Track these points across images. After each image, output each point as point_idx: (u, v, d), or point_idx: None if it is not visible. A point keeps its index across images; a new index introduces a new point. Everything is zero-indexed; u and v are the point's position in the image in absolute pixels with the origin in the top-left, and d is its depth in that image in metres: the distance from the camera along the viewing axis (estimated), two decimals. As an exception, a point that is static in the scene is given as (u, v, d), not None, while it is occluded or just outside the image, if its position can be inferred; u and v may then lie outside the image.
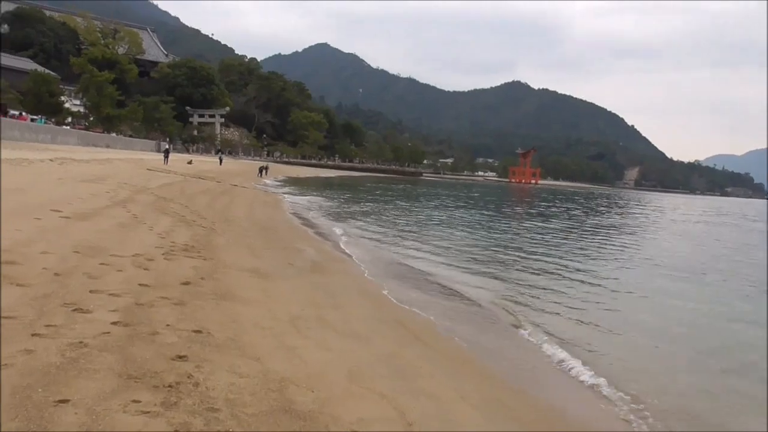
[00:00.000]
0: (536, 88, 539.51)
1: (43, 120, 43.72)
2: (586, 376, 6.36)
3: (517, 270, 13.21)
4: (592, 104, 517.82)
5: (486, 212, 35.76)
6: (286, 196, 32.55)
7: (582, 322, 8.84)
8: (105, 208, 12.17)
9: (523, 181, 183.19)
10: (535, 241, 19.87)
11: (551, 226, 27.55)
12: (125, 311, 5.30)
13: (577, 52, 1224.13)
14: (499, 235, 21.11)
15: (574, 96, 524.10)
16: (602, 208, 55.02)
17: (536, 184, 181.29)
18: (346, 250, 13.83)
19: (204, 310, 5.97)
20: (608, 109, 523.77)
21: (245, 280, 8.02)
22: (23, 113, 44.10)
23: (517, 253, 16.07)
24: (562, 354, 7.02)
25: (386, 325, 7.30)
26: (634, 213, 51.79)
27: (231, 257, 9.52)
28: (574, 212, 43.81)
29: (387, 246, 15.78)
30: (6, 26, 74.93)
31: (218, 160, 60.77)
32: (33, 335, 4.33)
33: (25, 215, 9.38)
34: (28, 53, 71.21)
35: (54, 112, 48.73)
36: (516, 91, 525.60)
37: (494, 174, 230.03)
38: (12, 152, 21.11)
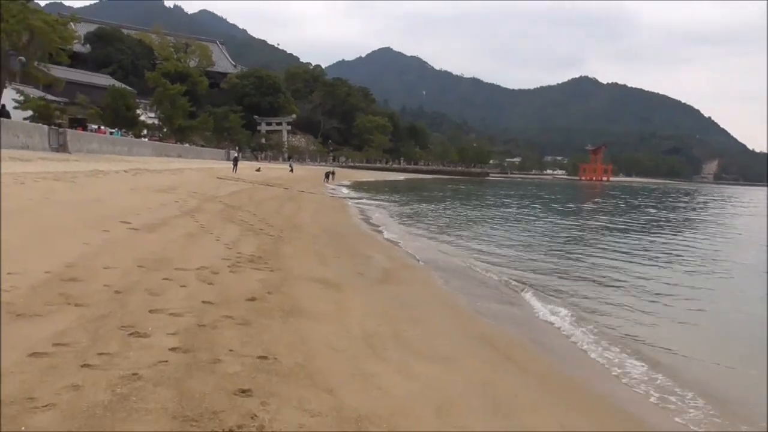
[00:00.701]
0: (605, 82, 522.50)
1: (119, 132, 45.55)
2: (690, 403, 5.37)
3: (613, 283, 12.10)
4: (665, 96, 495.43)
5: (562, 214, 34.21)
6: (352, 200, 32.25)
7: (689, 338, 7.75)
8: (173, 217, 12.01)
9: (594, 178, 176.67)
10: (620, 249, 18.52)
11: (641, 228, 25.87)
12: (185, 334, 4.80)
13: (646, 43, 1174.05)
14: (579, 241, 19.85)
15: (646, 89, 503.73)
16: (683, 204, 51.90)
17: (608, 181, 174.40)
18: (417, 257, 13.12)
19: (271, 330, 5.40)
20: (683, 101, 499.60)
21: (314, 291, 7.45)
22: (101, 127, 46.03)
23: (602, 261, 14.88)
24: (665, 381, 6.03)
25: (471, 342, 6.54)
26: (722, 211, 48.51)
27: (299, 267, 9.01)
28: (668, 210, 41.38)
29: (459, 251, 14.96)
30: (88, 46, 79.03)
31: (288, 167, 61.54)
32: (83, 366, 3.86)
33: (95, 227, 9.24)
34: (108, 70, 74.82)
35: (130, 125, 50.71)
36: (584, 86, 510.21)
37: (563, 172, 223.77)
38: (89, 164, 21.74)
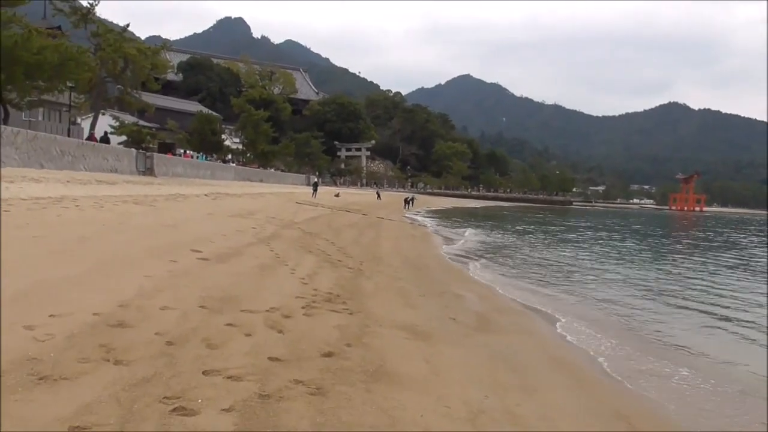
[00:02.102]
0: (696, 108, 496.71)
1: (204, 156, 46.76)
2: None
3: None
4: (763, 123, 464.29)
5: (668, 247, 31.48)
6: (433, 228, 31.02)
7: None
8: (247, 246, 11.23)
9: (686, 208, 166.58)
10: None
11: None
12: (243, 410, 3.71)
13: (742, 66, 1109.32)
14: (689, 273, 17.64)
15: (742, 115, 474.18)
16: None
17: (701, 211, 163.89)
18: (511, 297, 11.66)
19: (351, 402, 4.22)
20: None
21: (401, 344, 6.23)
22: (187, 151, 47.45)
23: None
24: None
25: (607, 423, 5.08)
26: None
27: (381, 308, 7.86)
28: None
29: (561, 289, 13.33)
30: (180, 74, 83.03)
31: (376, 195, 61.49)
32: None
33: (162, 256, 8.53)
34: (197, 97, 78.16)
35: (216, 150, 52.11)
36: (673, 112, 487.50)
37: (651, 201, 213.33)
38: (171, 188, 21.78)
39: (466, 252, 20.30)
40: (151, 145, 37.46)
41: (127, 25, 32.45)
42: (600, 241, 31.87)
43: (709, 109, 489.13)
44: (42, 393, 3.52)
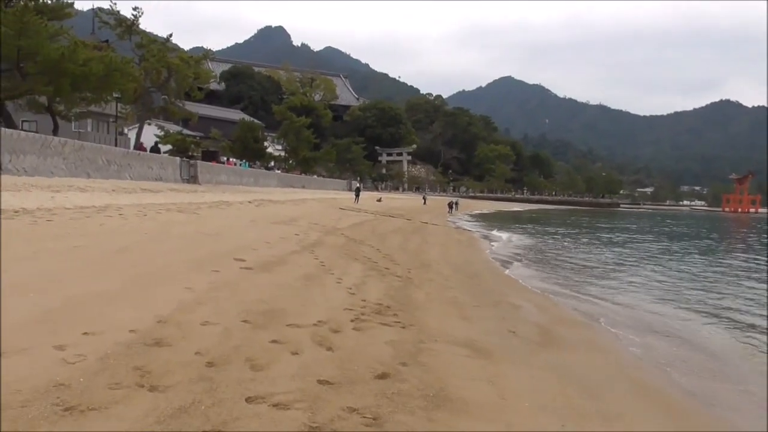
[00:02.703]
0: (749, 105, 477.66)
1: (247, 164, 47.14)
2: None
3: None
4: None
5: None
6: (479, 233, 30.25)
7: None
8: (292, 254, 10.84)
9: (740, 210, 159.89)
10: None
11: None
12: (292, 448, 3.23)
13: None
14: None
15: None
16: None
17: (756, 212, 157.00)
18: (573, 307, 10.92)
19: (412, 435, 3.70)
20: None
21: (460, 362, 5.66)
22: (231, 159, 47.91)
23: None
24: None
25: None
26: None
27: (435, 320, 7.30)
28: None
29: (626, 298, 12.49)
30: (223, 84, 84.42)
31: (422, 199, 61.13)
32: None
33: (205, 267, 8.18)
34: (240, 106, 79.27)
35: (258, 157, 52.52)
36: (724, 110, 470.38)
37: (702, 203, 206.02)
38: (215, 195, 21.73)
39: (514, 258, 19.53)
40: (195, 154, 37.90)
41: (170, 36, 33.05)
42: (654, 247, 30.46)
43: (763, 106, 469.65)
44: (66, 426, 3.11)
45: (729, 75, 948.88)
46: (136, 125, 37.74)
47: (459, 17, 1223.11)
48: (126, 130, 40.97)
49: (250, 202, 22.76)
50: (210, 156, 39.75)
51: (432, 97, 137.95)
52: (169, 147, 38.23)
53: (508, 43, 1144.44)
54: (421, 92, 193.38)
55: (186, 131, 46.01)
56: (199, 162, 30.79)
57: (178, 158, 29.31)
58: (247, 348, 4.87)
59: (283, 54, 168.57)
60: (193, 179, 28.22)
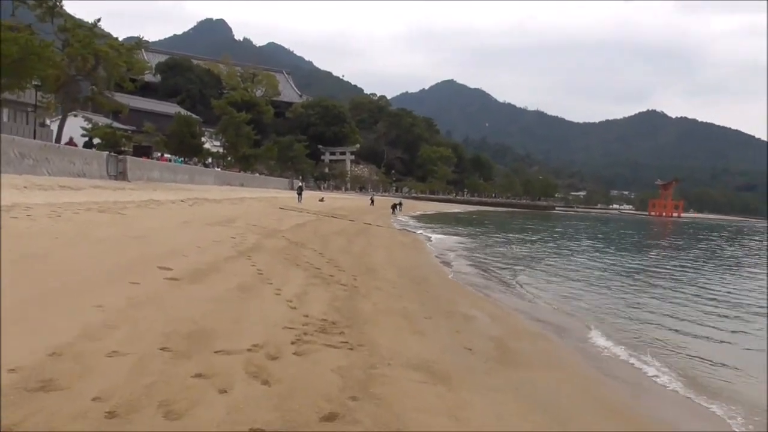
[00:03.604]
0: (674, 116, 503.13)
1: (180, 160, 44.96)
2: None
3: None
4: (738, 131, 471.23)
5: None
6: (423, 234, 29.79)
7: None
8: (226, 260, 9.86)
9: (665, 214, 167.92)
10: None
11: None
12: None
13: (719, 76, 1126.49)
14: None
15: (717, 123, 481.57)
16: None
17: (679, 217, 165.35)
18: (525, 313, 10.44)
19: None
20: (756, 137, 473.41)
21: (418, 392, 4.93)
22: (164, 154, 45.69)
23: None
24: None
25: None
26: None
27: (386, 337, 6.56)
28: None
29: (566, 302, 12.14)
30: (158, 76, 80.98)
31: (370, 200, 60.11)
32: None
33: (122, 277, 7.15)
34: (176, 99, 76.13)
35: (195, 153, 50.38)
36: (651, 120, 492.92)
37: (631, 207, 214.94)
38: (145, 193, 20.25)
39: (458, 259, 19.10)
40: (126, 148, 35.75)
41: (98, 20, 30.67)
42: (593, 245, 30.89)
43: (686, 118, 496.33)
44: None
45: (656, 87, 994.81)
46: (60, 116, 35.20)
47: (405, 19, 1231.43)
48: (48, 122, 38.21)
49: (183, 201, 21.39)
50: (142, 151, 37.62)
51: (376, 98, 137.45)
52: (98, 141, 35.92)
53: (452, 47, 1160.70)
54: (365, 92, 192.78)
55: (116, 124, 43.48)
56: (128, 157, 28.84)
57: (104, 153, 27.33)
58: (164, 387, 3.98)
59: (224, 48, 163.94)
60: (121, 176, 26.37)
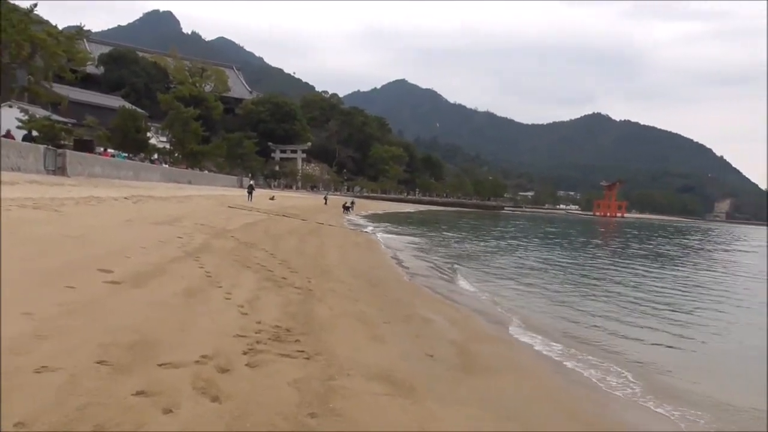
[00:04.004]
0: (617, 119, 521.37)
1: (123, 155, 43.12)
2: None
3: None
4: (677, 135, 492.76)
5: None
6: (376, 234, 29.55)
7: None
8: (172, 261, 9.30)
9: (608, 214, 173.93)
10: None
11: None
12: None
13: (660, 82, 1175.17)
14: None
15: (658, 127, 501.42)
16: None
17: (623, 217, 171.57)
18: (482, 314, 10.30)
19: None
20: (695, 140, 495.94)
21: (381, 405, 4.63)
22: (107, 150, 43.82)
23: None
24: None
25: None
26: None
27: (344, 344, 6.24)
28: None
29: (516, 301, 12.10)
30: (101, 67, 77.83)
31: (324, 199, 59.30)
32: None
33: (57, 281, 6.55)
34: (121, 93, 73.30)
35: (140, 148, 48.54)
36: (596, 122, 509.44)
37: (577, 207, 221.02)
38: (85, 190, 19.21)
39: (413, 259, 18.92)
40: (66, 142, 34.03)
41: (35, 6, 28.91)
42: (543, 244, 31.33)
43: (629, 121, 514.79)
44: None
45: (601, 90, 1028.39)
46: (-6, 108, 33.19)
47: (356, 17, 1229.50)
48: (-21, 113, 35.96)
49: (127, 198, 20.42)
50: (84, 145, 35.82)
51: (328, 95, 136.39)
52: (35, 134, 34.02)
53: (404, 46, 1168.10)
54: (317, 90, 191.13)
55: (55, 117, 41.35)
56: (68, 151, 27.34)
57: (42, 146, 25.83)
58: (100, 407, 3.54)
59: (172, 41, 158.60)
60: (60, 171, 24.95)
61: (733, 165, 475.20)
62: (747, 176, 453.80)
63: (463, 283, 14.84)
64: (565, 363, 7.83)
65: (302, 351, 5.64)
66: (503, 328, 9.64)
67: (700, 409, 6.39)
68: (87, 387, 3.84)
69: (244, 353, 5.23)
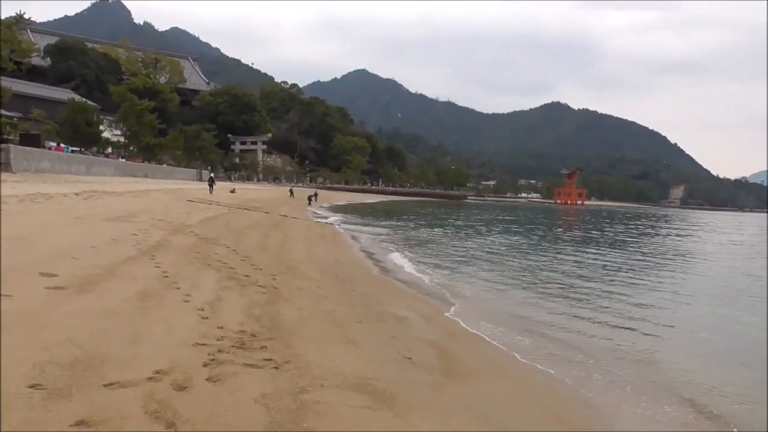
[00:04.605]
0: (576, 108, 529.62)
1: (69, 150, 41.17)
2: None
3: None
4: (633, 123, 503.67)
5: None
6: (340, 226, 28.97)
7: None
8: (125, 262, 8.59)
9: (569, 201, 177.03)
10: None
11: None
12: None
13: (615, 70, 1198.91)
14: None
15: (615, 115, 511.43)
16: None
17: (583, 204, 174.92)
18: (459, 315, 9.90)
19: None
20: (650, 128, 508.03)
21: (361, 422, 4.14)
22: (60, 144, 41.91)
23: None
24: None
25: None
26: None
27: (316, 350, 5.72)
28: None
29: (510, 302, 11.79)
30: (48, 59, 74.56)
31: (289, 192, 57.84)
32: None
33: (-9, 287, 5.83)
34: (70, 85, 70.34)
35: (92, 142, 46.59)
36: (556, 111, 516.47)
37: (538, 195, 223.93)
38: (31, 186, 18.07)
39: (381, 253, 18.46)
40: (11, 137, 32.29)
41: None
42: (498, 232, 31.32)
43: (587, 109, 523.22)
44: None
45: (559, 79, 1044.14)
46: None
47: (314, 7, 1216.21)
48: None
49: (77, 194, 19.33)
50: (31, 140, 34.04)
51: (288, 86, 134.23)
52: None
53: (364, 36, 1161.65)
54: (276, 80, 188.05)
55: (-1, 110, 39.25)
56: (12, 146, 25.80)
57: (-18, 141, 24.35)
58: (28, 446, 2.95)
59: (123, 32, 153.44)
60: (3, 167, 23.53)
61: (686, 152, 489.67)
62: (699, 163, 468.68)
63: (430, 275, 14.43)
64: (541, 362, 7.50)
65: (270, 359, 5.12)
66: (475, 324, 9.24)
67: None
68: (15, 417, 3.25)
69: (205, 365, 4.67)
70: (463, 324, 9.10)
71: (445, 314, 9.77)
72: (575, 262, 20.26)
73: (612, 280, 15.92)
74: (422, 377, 5.63)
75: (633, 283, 15.52)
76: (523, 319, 10.01)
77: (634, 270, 18.81)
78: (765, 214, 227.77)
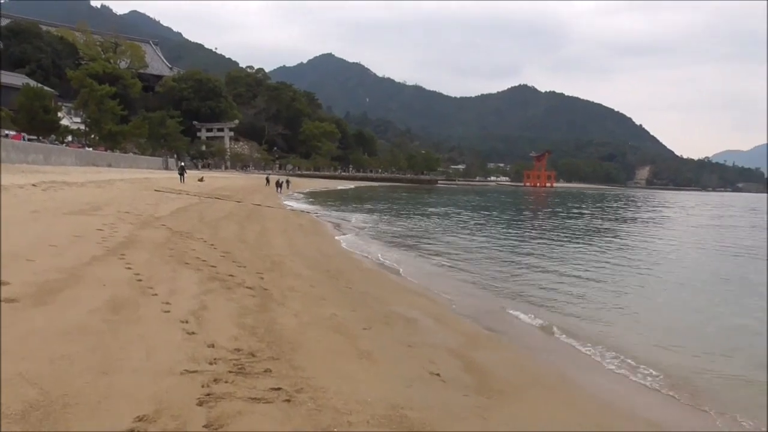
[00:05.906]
0: (543, 90, 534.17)
1: (25, 138, 38.81)
2: None
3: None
4: (599, 105, 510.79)
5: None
6: (316, 215, 27.87)
7: None
8: (90, 263, 7.44)
9: (538, 184, 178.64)
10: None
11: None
12: None
13: (581, 53, 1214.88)
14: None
15: (582, 97, 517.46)
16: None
17: (552, 187, 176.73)
18: (468, 312, 9.04)
19: None
20: (616, 110, 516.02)
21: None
22: (19, 132, 39.57)
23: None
24: None
25: None
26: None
27: (328, 372, 4.74)
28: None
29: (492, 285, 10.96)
30: (0, 42, 70.82)
31: (266, 180, 56.04)
32: None
33: None
34: (25, 70, 66.93)
35: (50, 130, 44.22)
36: (523, 94, 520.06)
37: (507, 178, 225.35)
38: (-18, 177, 16.52)
39: (367, 242, 17.53)
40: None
41: None
42: (481, 219, 30.69)
43: (554, 92, 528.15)
44: None
45: (525, 62, 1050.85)
46: None
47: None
48: None
49: (35, 185, 17.83)
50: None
51: (253, 71, 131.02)
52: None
53: (328, 19, 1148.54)
54: (241, 65, 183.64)
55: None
56: (-39, 135, 23.99)
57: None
58: None
59: (79, 15, 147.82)
60: (-48, 156, 21.75)
61: (651, 133, 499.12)
62: (664, 143, 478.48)
63: (422, 266, 13.57)
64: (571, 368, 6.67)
65: (278, 389, 4.13)
66: (486, 319, 8.39)
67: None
68: None
69: (200, 404, 3.66)
70: (469, 323, 8.24)
71: (449, 309, 8.92)
72: (561, 258, 19.66)
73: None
74: (458, 399, 4.71)
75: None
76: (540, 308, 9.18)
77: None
78: (727, 193, 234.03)
